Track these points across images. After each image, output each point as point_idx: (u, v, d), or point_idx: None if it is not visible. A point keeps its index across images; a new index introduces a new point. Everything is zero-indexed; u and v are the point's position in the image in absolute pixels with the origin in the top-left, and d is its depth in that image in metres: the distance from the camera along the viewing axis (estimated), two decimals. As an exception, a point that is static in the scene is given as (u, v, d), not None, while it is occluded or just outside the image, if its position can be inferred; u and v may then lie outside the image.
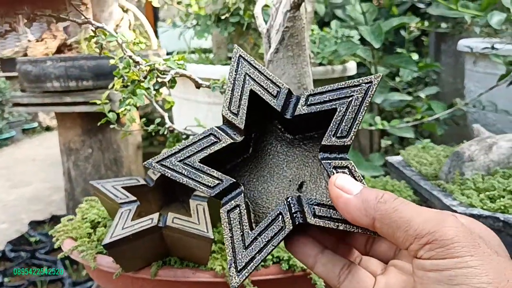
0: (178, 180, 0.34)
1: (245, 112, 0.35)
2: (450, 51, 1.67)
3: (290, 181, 0.36)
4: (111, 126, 0.69)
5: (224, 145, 0.34)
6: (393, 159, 0.92)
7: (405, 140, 1.39)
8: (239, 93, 0.35)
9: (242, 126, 0.34)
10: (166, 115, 0.75)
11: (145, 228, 0.53)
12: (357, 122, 0.33)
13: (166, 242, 0.55)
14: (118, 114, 0.65)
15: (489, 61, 1.14)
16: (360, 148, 1.46)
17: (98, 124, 0.69)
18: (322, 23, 1.58)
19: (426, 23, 1.56)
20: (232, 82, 0.35)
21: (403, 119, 1.29)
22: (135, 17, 1.43)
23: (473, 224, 0.29)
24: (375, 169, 1.10)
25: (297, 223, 0.32)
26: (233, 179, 0.34)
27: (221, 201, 0.33)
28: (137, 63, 0.58)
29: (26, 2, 0.56)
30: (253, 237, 0.32)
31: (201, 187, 0.34)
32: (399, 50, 1.51)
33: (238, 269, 0.31)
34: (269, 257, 0.56)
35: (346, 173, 0.32)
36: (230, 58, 1.05)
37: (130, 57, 0.58)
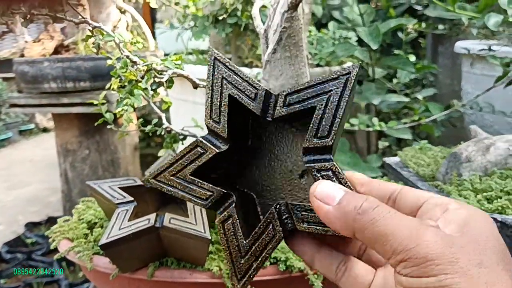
0: (175, 195, 0.34)
1: (226, 119, 0.34)
2: (447, 53, 1.67)
3: (290, 171, 0.36)
4: (108, 126, 0.69)
5: (210, 156, 0.34)
6: (390, 160, 0.92)
7: (403, 141, 1.39)
8: (219, 100, 0.34)
9: (225, 135, 0.34)
10: (163, 115, 0.75)
11: (142, 228, 0.53)
12: (337, 120, 0.31)
13: (163, 243, 0.55)
14: (115, 115, 0.65)
15: (486, 63, 1.14)
16: (357, 150, 1.46)
17: (95, 124, 0.69)
18: (320, 24, 1.59)
19: (423, 25, 1.56)
20: (210, 88, 0.35)
21: (400, 120, 1.29)
22: (132, 18, 1.43)
23: (470, 219, 0.27)
24: (372, 170, 1.10)
25: (287, 229, 0.32)
26: (222, 190, 0.34)
27: (217, 212, 0.34)
28: (134, 63, 0.58)
29: (23, 1, 0.56)
30: (248, 247, 0.32)
31: (196, 200, 0.34)
32: (396, 51, 1.51)
33: (239, 277, 0.32)
34: (267, 257, 0.56)
35: (330, 176, 0.31)
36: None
37: (128, 57, 0.58)
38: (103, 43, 0.59)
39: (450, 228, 0.26)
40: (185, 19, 1.26)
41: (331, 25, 1.35)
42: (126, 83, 0.59)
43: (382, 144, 1.48)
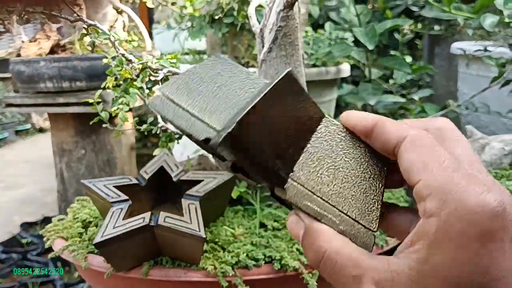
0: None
1: None
2: (444, 54, 1.68)
3: None
4: (104, 125, 0.69)
5: None
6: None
7: (399, 142, 1.39)
8: None
9: None
10: (159, 115, 0.75)
11: (137, 227, 0.52)
12: None
13: (157, 242, 0.55)
14: (111, 114, 0.65)
15: (482, 64, 1.14)
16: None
17: (91, 123, 0.69)
18: (316, 25, 1.59)
19: (420, 26, 1.57)
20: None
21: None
22: (129, 18, 1.43)
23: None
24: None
25: None
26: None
27: None
28: (129, 61, 0.58)
29: (18, 0, 0.55)
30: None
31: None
32: (393, 52, 1.51)
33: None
34: (261, 256, 0.56)
35: None
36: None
37: (123, 55, 0.58)
38: (99, 42, 0.59)
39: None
40: (182, 19, 1.26)
41: (328, 25, 1.35)
42: (121, 82, 0.59)
43: (379, 144, 1.47)
